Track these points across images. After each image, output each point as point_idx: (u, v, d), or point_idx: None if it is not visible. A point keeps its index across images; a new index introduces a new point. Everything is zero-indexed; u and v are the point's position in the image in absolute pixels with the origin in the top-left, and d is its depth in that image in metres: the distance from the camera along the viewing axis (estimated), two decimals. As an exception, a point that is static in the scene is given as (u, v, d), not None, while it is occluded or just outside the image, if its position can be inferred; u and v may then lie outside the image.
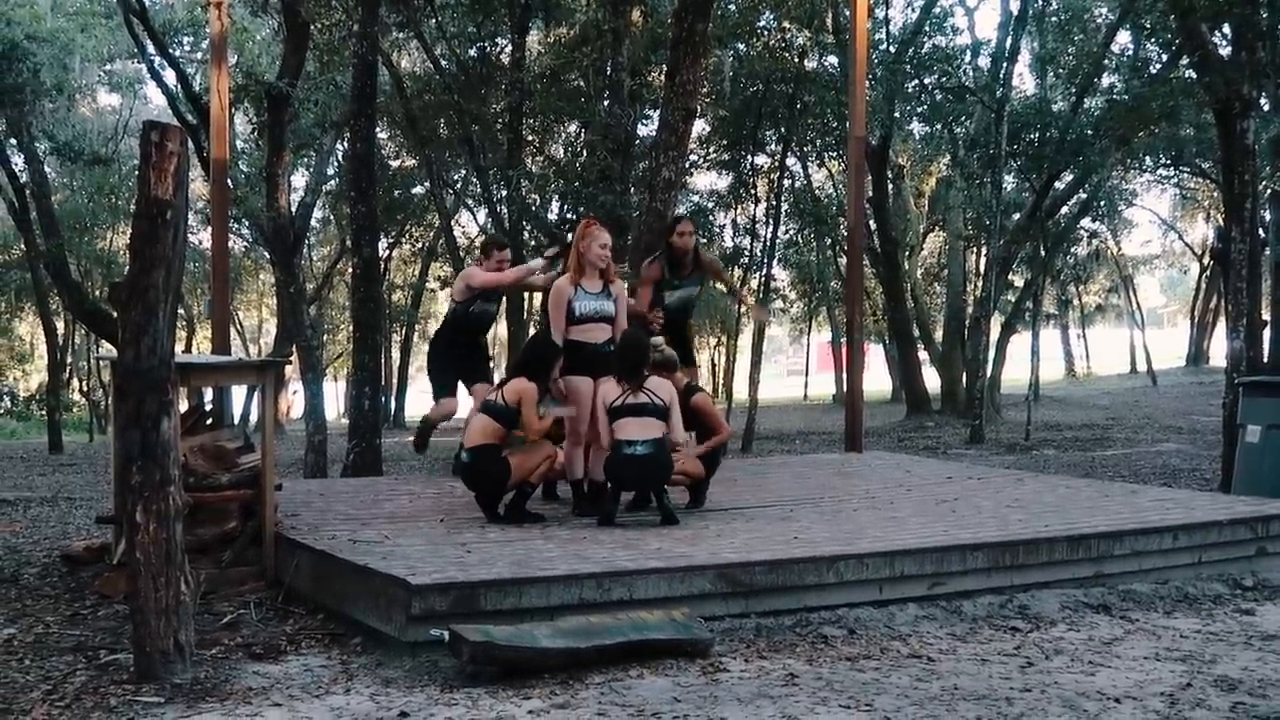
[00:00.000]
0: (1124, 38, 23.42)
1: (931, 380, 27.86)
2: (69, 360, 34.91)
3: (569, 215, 21.29)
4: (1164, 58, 21.70)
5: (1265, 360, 14.23)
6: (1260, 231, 16.05)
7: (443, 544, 6.11)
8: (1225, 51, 13.77)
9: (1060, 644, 5.31)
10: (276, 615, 5.81)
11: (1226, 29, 14.37)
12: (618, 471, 6.85)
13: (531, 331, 21.05)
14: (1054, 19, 23.39)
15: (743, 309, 21.85)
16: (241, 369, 8.09)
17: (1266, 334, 15.21)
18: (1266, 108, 16.01)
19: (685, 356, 8.84)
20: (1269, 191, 18.21)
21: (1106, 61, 22.60)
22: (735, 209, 23.24)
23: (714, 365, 39.85)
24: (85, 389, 35.45)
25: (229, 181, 13.45)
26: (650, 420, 6.78)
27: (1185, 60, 18.48)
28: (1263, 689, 4.63)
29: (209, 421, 8.09)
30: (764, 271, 22.46)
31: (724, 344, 35.05)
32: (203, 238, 28.48)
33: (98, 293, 26.07)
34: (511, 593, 5.12)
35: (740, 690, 4.55)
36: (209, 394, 9.68)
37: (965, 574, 6.03)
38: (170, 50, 19.79)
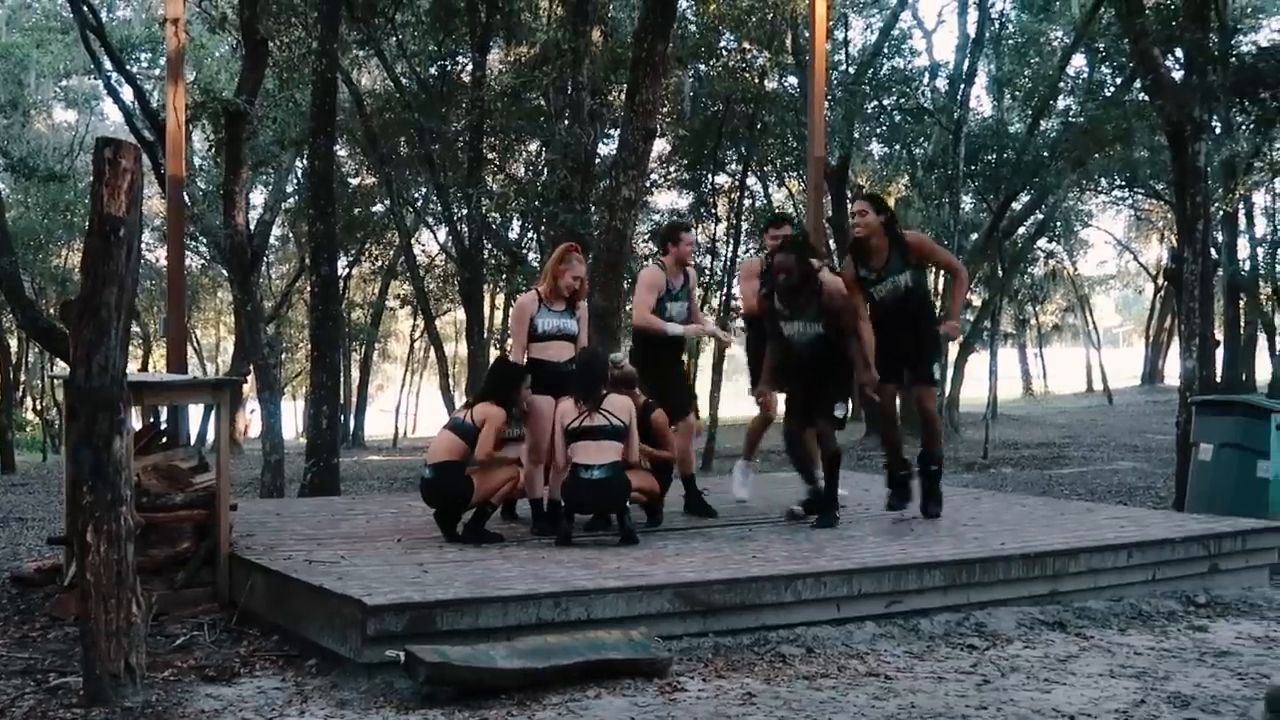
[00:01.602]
0: (1079, 61, 23.75)
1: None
2: (22, 379, 34.45)
3: (529, 233, 21.29)
4: (1118, 81, 22.06)
5: (1218, 380, 14.42)
6: (1213, 252, 16.28)
7: (400, 564, 6.07)
8: (1177, 75, 14.00)
9: (1016, 661, 5.34)
10: (230, 637, 5.75)
11: (1179, 53, 14.62)
12: (574, 496, 6.82)
13: (492, 352, 21.00)
14: (1010, 42, 23.67)
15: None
16: (197, 387, 8.02)
17: (1219, 354, 15.42)
18: (1218, 130, 16.26)
19: (921, 369, 7.75)
20: (1220, 213, 18.50)
21: (1062, 84, 22.89)
22: (696, 228, 23.31)
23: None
24: (39, 408, 34.99)
25: (186, 198, 13.35)
26: (607, 443, 6.75)
27: (1138, 83, 18.76)
28: (1215, 705, 4.67)
29: (163, 441, 8.00)
30: (725, 291, 22.51)
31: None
32: (159, 255, 28.26)
33: (51, 310, 25.72)
34: (468, 613, 5.09)
35: (698, 710, 4.55)
36: (164, 413, 9.57)
37: (922, 592, 6.06)
38: (127, 66, 19.62)
